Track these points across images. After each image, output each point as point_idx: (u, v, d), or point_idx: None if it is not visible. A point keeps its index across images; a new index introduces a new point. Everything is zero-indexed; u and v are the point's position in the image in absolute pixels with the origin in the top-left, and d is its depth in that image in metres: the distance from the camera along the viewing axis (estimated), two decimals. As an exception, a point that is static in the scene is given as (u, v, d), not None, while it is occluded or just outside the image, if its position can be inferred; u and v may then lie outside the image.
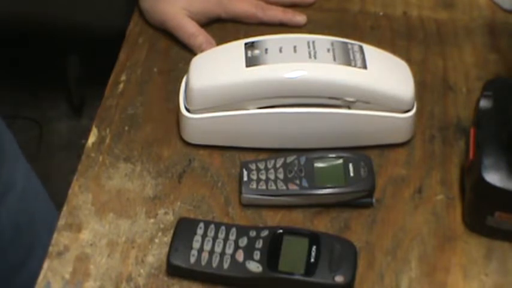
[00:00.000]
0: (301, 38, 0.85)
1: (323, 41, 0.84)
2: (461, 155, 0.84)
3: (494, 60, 0.96)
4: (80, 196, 0.80)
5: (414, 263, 0.75)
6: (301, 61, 0.82)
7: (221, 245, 0.74)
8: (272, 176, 0.80)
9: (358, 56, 0.83)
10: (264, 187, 0.79)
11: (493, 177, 0.74)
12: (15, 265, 1.02)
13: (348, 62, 0.82)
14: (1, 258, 1.01)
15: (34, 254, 1.01)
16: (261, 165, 0.81)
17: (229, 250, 0.73)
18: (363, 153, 0.81)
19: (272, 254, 0.73)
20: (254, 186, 0.79)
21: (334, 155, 0.80)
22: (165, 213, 0.79)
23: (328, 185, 0.79)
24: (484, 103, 0.81)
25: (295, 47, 0.83)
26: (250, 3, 1.00)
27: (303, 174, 0.79)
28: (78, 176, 0.82)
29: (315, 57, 0.82)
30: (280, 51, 0.83)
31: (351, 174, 0.79)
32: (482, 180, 0.74)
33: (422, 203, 0.81)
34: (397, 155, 0.85)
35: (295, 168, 0.80)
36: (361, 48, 0.84)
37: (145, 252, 0.76)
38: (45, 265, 0.75)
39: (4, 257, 1.01)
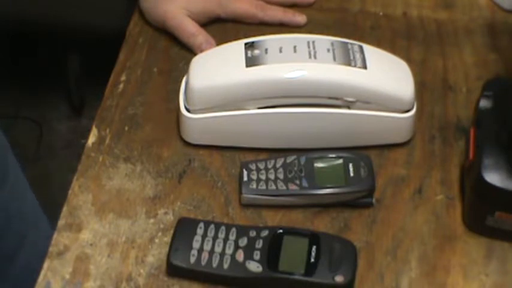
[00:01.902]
0: (301, 38, 0.85)
1: (323, 41, 0.84)
2: (461, 155, 0.84)
3: (494, 60, 0.96)
4: (80, 196, 0.80)
5: (414, 263, 0.75)
6: (301, 61, 0.82)
7: (221, 245, 0.74)
8: (272, 176, 0.80)
9: (358, 56, 0.83)
10: (264, 187, 0.79)
11: (493, 177, 0.74)
12: (7, 255, 1.02)
13: (348, 62, 0.82)
14: None
15: (25, 245, 1.01)
16: (261, 165, 0.81)
17: (229, 250, 0.73)
18: (363, 153, 0.81)
19: (272, 254, 0.73)
20: (254, 186, 0.79)
21: (334, 155, 0.80)
22: (165, 213, 0.79)
23: (328, 185, 0.79)
24: (484, 103, 0.81)
25: (295, 47, 0.83)
26: (250, 3, 0.99)
27: (303, 174, 0.79)
28: (78, 176, 0.82)
29: (315, 57, 0.82)
30: (280, 51, 0.83)
31: (351, 174, 0.79)
32: (482, 180, 0.74)
33: (422, 203, 0.81)
34: (397, 155, 0.85)
35: (295, 168, 0.80)
36: (361, 48, 0.84)
37: (145, 252, 0.76)
38: (45, 265, 0.75)
39: None
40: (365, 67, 0.82)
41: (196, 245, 0.74)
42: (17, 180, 1.04)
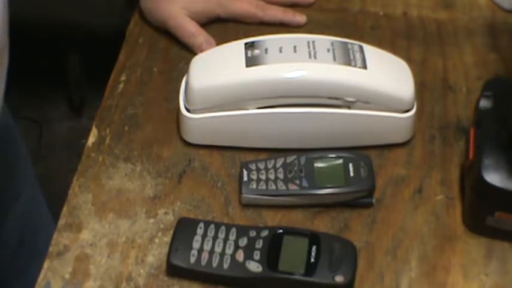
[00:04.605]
0: (301, 38, 0.85)
1: (323, 41, 0.84)
2: (461, 155, 0.84)
3: (494, 60, 0.96)
4: (80, 196, 0.80)
5: (414, 263, 0.75)
6: (301, 61, 0.82)
7: (221, 245, 0.74)
8: (272, 176, 0.80)
9: (358, 56, 0.83)
10: (264, 187, 0.79)
11: (493, 177, 0.74)
12: (16, 274, 1.01)
13: (348, 62, 0.82)
14: (4, 267, 1.00)
15: (33, 263, 1.01)
16: (261, 165, 0.81)
17: (229, 250, 0.73)
18: (363, 153, 0.81)
19: (272, 254, 0.73)
20: (254, 186, 0.79)
21: (334, 155, 0.80)
22: (165, 213, 0.79)
23: (328, 185, 0.79)
24: (484, 103, 0.81)
25: (295, 47, 0.83)
26: (250, 3, 0.99)
27: (303, 174, 0.79)
28: (78, 176, 0.82)
29: (315, 57, 0.82)
30: (280, 51, 0.83)
31: (351, 174, 0.79)
32: (482, 180, 0.74)
33: (422, 203, 0.81)
34: (397, 155, 0.85)
35: (295, 168, 0.80)
36: (361, 48, 0.84)
37: (145, 252, 0.76)
38: (45, 265, 0.75)
39: (8, 265, 1.00)
40: (365, 67, 0.82)
41: (196, 245, 0.74)
42: (34, 195, 1.04)
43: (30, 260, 1.01)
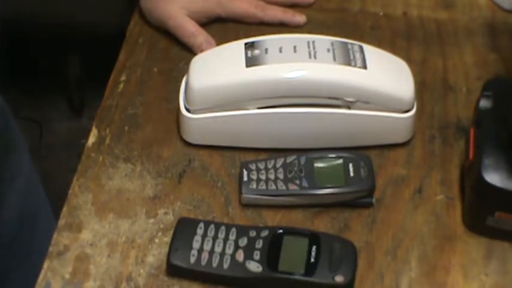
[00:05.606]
0: (301, 38, 0.85)
1: (323, 41, 0.84)
2: (461, 155, 0.84)
3: (494, 60, 0.96)
4: (80, 196, 0.80)
5: (414, 263, 0.75)
6: (301, 61, 0.82)
7: (221, 245, 0.74)
8: (272, 176, 0.80)
9: (358, 56, 0.83)
10: (264, 187, 0.79)
11: (493, 177, 0.74)
12: (18, 259, 1.02)
13: (348, 62, 0.82)
14: (7, 250, 1.00)
15: (35, 248, 1.01)
16: (261, 165, 0.81)
17: (229, 250, 0.73)
18: (363, 153, 0.81)
19: (272, 254, 0.73)
20: (254, 186, 0.79)
21: (334, 155, 0.80)
22: (165, 213, 0.79)
23: (328, 185, 0.79)
24: (484, 103, 0.81)
25: (295, 47, 0.83)
26: (250, 3, 1.00)
27: (303, 174, 0.79)
28: (78, 176, 0.82)
29: (315, 57, 0.82)
30: (280, 51, 0.83)
31: (351, 174, 0.79)
32: (482, 180, 0.74)
33: (422, 203, 0.81)
34: (397, 155, 0.85)
35: (295, 168, 0.80)
36: (361, 48, 0.84)
37: (145, 252, 0.76)
38: (45, 265, 0.75)
39: (10, 249, 1.00)
40: (365, 67, 0.82)
41: (196, 245, 0.74)
42: (31, 179, 1.04)
43: (28, 251, 1.01)
